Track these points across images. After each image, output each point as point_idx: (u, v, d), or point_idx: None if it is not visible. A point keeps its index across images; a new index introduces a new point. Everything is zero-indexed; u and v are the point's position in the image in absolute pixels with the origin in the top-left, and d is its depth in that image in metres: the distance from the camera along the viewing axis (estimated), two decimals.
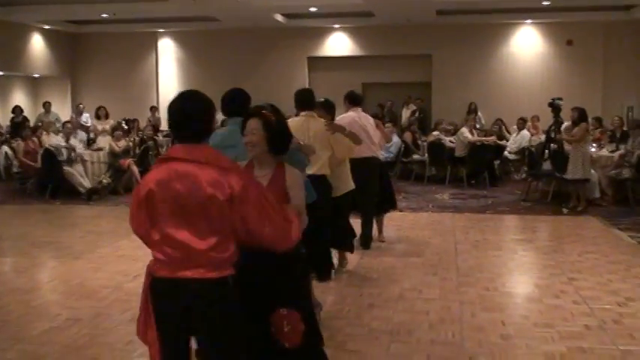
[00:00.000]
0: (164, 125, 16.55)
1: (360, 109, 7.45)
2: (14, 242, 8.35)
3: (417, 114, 16.75)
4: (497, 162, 13.57)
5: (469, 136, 12.83)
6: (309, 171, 5.66)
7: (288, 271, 3.38)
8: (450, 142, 13.41)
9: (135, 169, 11.65)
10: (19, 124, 15.27)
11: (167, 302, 2.83)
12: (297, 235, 3.07)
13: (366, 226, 7.63)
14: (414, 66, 18.00)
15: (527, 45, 17.52)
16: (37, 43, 17.60)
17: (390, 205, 8.12)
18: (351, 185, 6.52)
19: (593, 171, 10.76)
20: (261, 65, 18.14)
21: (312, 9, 15.31)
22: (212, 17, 16.41)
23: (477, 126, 15.17)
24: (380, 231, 8.11)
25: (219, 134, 4.41)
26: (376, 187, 7.51)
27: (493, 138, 13.27)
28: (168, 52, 18.99)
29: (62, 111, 17.30)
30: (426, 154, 13.47)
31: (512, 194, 11.71)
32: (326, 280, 6.10)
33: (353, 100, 7.46)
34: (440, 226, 9.02)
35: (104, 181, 11.72)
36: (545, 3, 14.59)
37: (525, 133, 14.13)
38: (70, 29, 18.09)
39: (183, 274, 2.79)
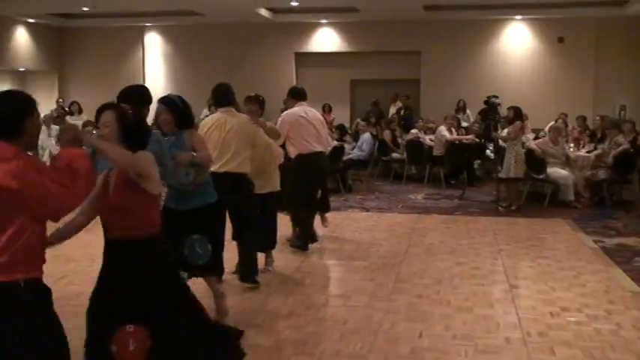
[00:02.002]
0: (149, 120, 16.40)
1: (305, 104, 7.24)
2: None
3: (402, 111, 16.47)
4: (478, 161, 13.28)
5: (447, 134, 12.55)
6: (225, 168, 5.49)
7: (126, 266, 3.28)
8: (430, 140, 13.13)
9: None
10: None
11: None
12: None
13: (307, 225, 7.40)
14: (402, 62, 17.70)
15: (517, 42, 17.17)
16: (21, 37, 17.48)
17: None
18: (277, 186, 6.37)
19: (567, 172, 10.48)
20: (248, 61, 17.93)
21: (294, 3, 15.05)
22: (196, 12, 16.21)
23: (464, 124, 14.90)
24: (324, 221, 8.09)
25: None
26: (325, 182, 7.31)
27: (471, 136, 12.95)
28: (154, 46, 18.83)
29: (50, 105, 17.17)
30: (405, 153, 13.19)
31: (490, 195, 11.41)
32: (249, 281, 5.85)
33: (295, 95, 7.29)
34: (400, 228, 8.78)
35: None
36: None
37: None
38: (56, 23, 17.96)
39: None
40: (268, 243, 6.43)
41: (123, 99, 4.24)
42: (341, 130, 13.08)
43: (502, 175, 10.11)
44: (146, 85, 17.97)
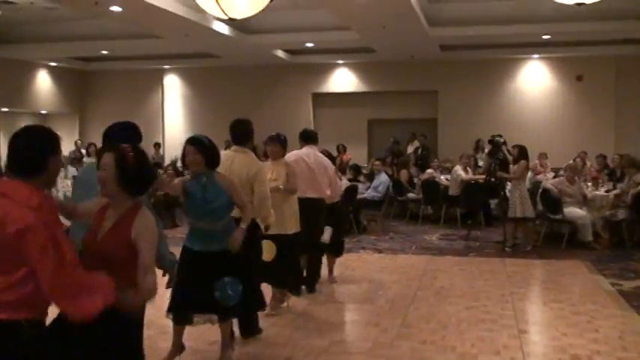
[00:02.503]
0: (167, 161, 16.51)
1: (314, 147, 7.15)
2: None
3: (420, 151, 16.38)
4: (495, 201, 13.06)
5: (462, 174, 12.39)
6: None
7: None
8: (446, 180, 12.98)
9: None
10: None
11: None
12: (93, 307, 2.71)
13: (312, 269, 7.28)
14: (420, 102, 17.69)
15: (535, 80, 17.07)
16: (43, 80, 17.83)
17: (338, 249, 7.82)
18: (291, 227, 6.21)
19: (585, 212, 10.25)
20: (265, 101, 18.03)
21: (309, 44, 15.15)
22: (213, 54, 16.39)
23: (480, 163, 14.73)
24: (330, 271, 7.85)
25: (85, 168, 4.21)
26: (319, 229, 7.09)
27: (482, 176, 12.75)
28: (173, 88, 19.05)
29: (69, 147, 17.39)
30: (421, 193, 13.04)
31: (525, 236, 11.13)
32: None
33: (304, 138, 7.21)
34: (412, 270, 8.60)
35: None
36: (545, 37, 14.17)
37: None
38: (77, 66, 18.30)
39: None
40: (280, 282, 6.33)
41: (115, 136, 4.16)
42: (355, 170, 12.98)
43: (510, 214, 9.94)
44: (165, 125, 18.33)
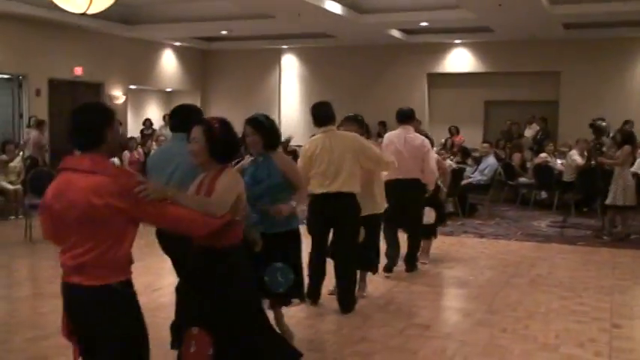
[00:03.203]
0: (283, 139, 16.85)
1: (409, 127, 7.03)
2: None
3: (539, 134, 15.73)
4: None
5: (578, 159, 11.78)
6: (336, 188, 5.46)
7: (209, 272, 3.39)
8: (561, 164, 12.41)
9: None
10: (148, 136, 16.34)
11: (64, 305, 2.96)
12: (198, 227, 3.07)
13: (409, 248, 7.24)
14: (540, 83, 16.92)
15: None
16: (168, 59, 18.66)
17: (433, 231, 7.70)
18: (381, 207, 6.19)
19: None
20: (379, 82, 17.92)
21: (423, 24, 14.86)
22: (329, 34, 16.48)
23: (604, 149, 13.93)
24: (427, 252, 7.75)
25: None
26: (415, 210, 7.04)
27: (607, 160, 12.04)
28: (291, 68, 19.33)
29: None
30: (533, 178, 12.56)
31: (626, 225, 10.53)
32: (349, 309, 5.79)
33: (398, 119, 7.14)
34: (511, 257, 8.34)
35: None
36: None
37: None
38: (200, 46, 18.98)
39: (70, 280, 2.87)
40: (366, 265, 6.25)
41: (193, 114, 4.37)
42: (464, 153, 12.69)
43: (608, 202, 9.41)
44: (282, 105, 18.67)
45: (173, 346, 4.17)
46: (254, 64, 19.30)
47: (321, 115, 5.74)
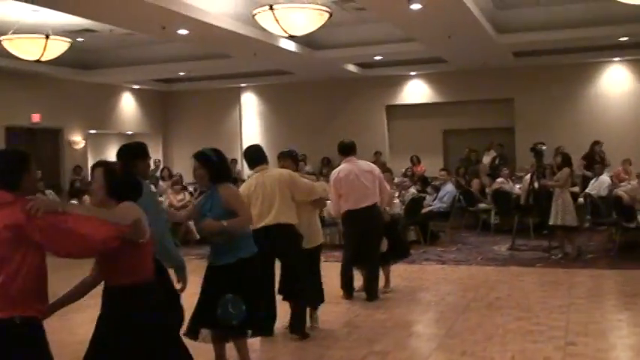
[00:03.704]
0: (245, 176, 16.92)
1: (354, 159, 7.23)
2: None
3: (496, 160, 16.05)
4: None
5: (547, 182, 12.01)
6: (274, 220, 5.53)
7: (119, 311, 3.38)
8: (519, 189, 12.67)
9: (190, 223, 11.88)
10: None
11: None
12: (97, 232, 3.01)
13: (370, 278, 7.34)
14: (495, 111, 17.34)
15: (617, 84, 16.39)
16: (128, 102, 18.72)
17: (397, 255, 7.83)
18: (320, 239, 6.33)
19: None
20: (339, 115, 18.16)
21: (378, 57, 15.20)
22: (286, 71, 16.71)
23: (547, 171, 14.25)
24: (386, 281, 7.88)
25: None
26: (379, 236, 7.19)
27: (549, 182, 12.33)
28: (250, 105, 19.54)
29: (150, 166, 18.17)
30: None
31: (582, 245, 10.77)
32: (298, 333, 5.85)
33: (342, 151, 7.32)
34: (470, 281, 8.47)
35: None
36: (622, 39, 13.61)
37: (604, 178, 13.06)
38: (160, 87, 19.09)
39: None
40: (317, 298, 6.35)
41: (119, 155, 4.57)
42: (423, 182, 12.91)
43: (551, 222, 9.72)
44: (243, 141, 18.75)
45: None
46: (214, 103, 19.46)
47: (253, 157, 5.93)
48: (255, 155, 5.88)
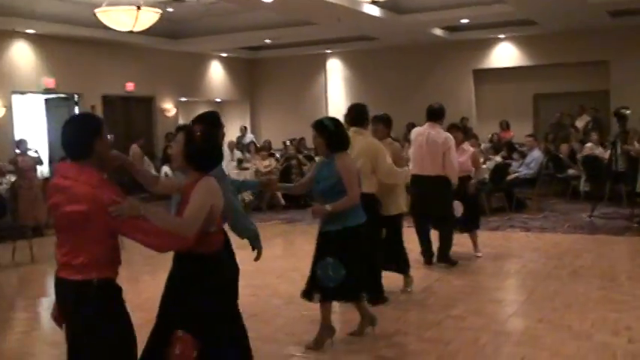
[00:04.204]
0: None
1: (435, 125, 7.14)
2: None
3: (590, 125, 15.48)
4: None
5: (630, 148, 11.55)
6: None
7: (186, 278, 3.45)
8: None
9: (278, 187, 12.15)
10: None
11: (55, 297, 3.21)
12: (163, 243, 3.14)
13: (441, 242, 7.37)
14: (589, 74, 16.62)
15: None
16: (216, 70, 19.14)
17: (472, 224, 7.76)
18: (403, 207, 6.32)
19: None
20: (425, 81, 17.92)
21: (464, 21, 14.86)
22: (371, 36, 16.62)
23: None
24: (474, 246, 7.89)
25: None
26: (437, 206, 7.09)
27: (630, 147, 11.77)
28: (336, 71, 19.56)
29: (237, 132, 18.61)
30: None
31: None
32: (377, 303, 5.93)
33: (428, 114, 7.24)
34: (555, 249, 8.32)
35: (246, 198, 12.40)
36: None
37: None
38: (247, 55, 19.38)
39: (59, 274, 3.11)
40: (400, 265, 6.42)
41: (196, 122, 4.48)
42: (509, 148, 12.64)
43: (637, 189, 9.30)
44: (329, 108, 18.83)
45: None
46: (300, 69, 19.60)
47: (353, 115, 5.90)
48: (355, 114, 5.84)
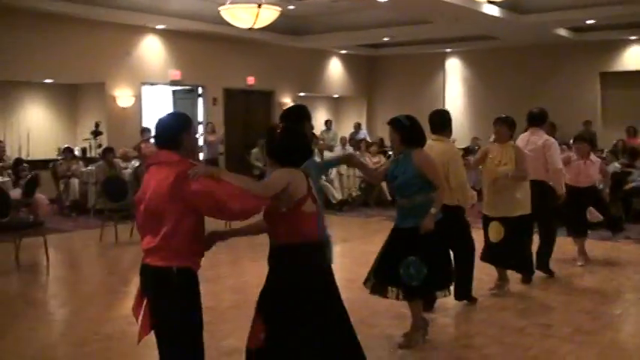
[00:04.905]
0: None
1: (536, 130, 6.94)
2: None
3: None
4: None
5: None
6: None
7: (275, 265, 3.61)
8: None
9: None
10: None
11: (140, 284, 3.44)
12: (237, 204, 3.22)
13: (540, 247, 7.14)
14: None
15: None
16: (335, 67, 19.48)
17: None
18: (524, 209, 6.28)
19: None
20: (547, 82, 17.35)
21: (590, 21, 14.27)
22: (492, 36, 16.32)
23: None
24: (579, 253, 7.75)
25: None
26: (541, 214, 6.76)
27: None
28: (455, 71, 19.36)
29: (350, 129, 18.82)
30: None
31: None
32: (462, 299, 5.98)
33: (529, 120, 7.08)
34: None
35: (353, 193, 12.59)
36: None
37: None
38: (366, 52, 19.57)
39: (144, 261, 3.36)
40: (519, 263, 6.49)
41: (284, 117, 4.57)
42: (630, 155, 12.03)
43: None
44: (446, 107, 18.67)
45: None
46: (418, 68, 19.57)
47: (436, 122, 5.84)
48: (438, 121, 5.81)
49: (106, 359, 4.90)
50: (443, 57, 19.34)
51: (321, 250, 3.72)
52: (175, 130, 3.38)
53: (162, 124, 3.44)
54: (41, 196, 10.28)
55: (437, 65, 19.47)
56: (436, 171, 4.93)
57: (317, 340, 3.54)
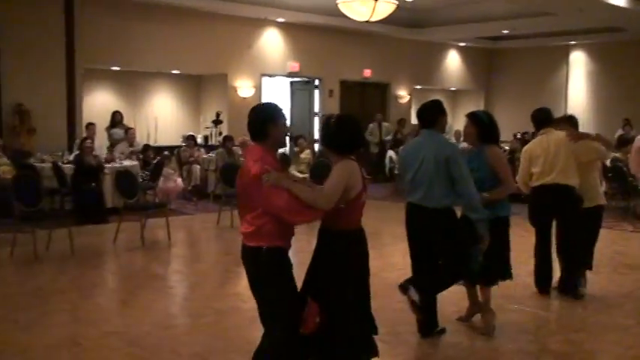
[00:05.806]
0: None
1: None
2: None
3: None
4: None
5: None
6: (554, 180, 5.76)
7: (323, 250, 3.77)
8: None
9: None
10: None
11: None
12: (296, 217, 3.50)
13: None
14: None
15: None
16: (453, 60, 19.32)
17: None
18: (602, 198, 6.21)
19: None
20: None
21: None
22: (618, 27, 15.62)
23: None
24: None
25: None
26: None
27: None
28: (579, 64, 18.66)
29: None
30: None
31: None
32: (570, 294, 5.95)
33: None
34: None
35: None
36: None
37: None
38: (485, 45, 19.26)
39: (243, 242, 3.64)
40: (586, 260, 6.25)
41: (422, 111, 4.81)
42: None
43: None
44: (568, 102, 18.00)
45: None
46: (540, 61, 19.05)
47: (539, 118, 6.09)
48: (543, 116, 6.04)
49: (222, 330, 5.25)
50: (566, 50, 18.70)
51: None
52: (261, 122, 3.57)
53: (249, 116, 3.63)
54: (178, 180, 11.10)
55: (559, 59, 18.86)
56: (506, 169, 5.05)
57: (366, 318, 3.83)
